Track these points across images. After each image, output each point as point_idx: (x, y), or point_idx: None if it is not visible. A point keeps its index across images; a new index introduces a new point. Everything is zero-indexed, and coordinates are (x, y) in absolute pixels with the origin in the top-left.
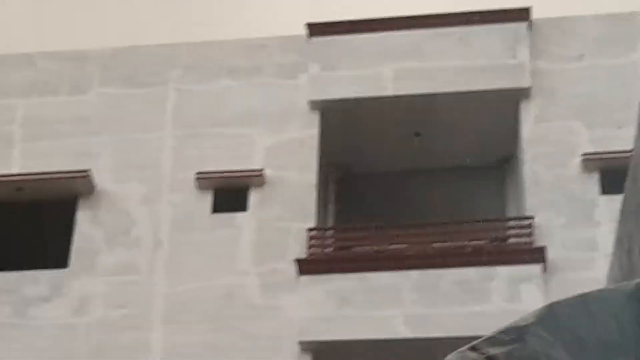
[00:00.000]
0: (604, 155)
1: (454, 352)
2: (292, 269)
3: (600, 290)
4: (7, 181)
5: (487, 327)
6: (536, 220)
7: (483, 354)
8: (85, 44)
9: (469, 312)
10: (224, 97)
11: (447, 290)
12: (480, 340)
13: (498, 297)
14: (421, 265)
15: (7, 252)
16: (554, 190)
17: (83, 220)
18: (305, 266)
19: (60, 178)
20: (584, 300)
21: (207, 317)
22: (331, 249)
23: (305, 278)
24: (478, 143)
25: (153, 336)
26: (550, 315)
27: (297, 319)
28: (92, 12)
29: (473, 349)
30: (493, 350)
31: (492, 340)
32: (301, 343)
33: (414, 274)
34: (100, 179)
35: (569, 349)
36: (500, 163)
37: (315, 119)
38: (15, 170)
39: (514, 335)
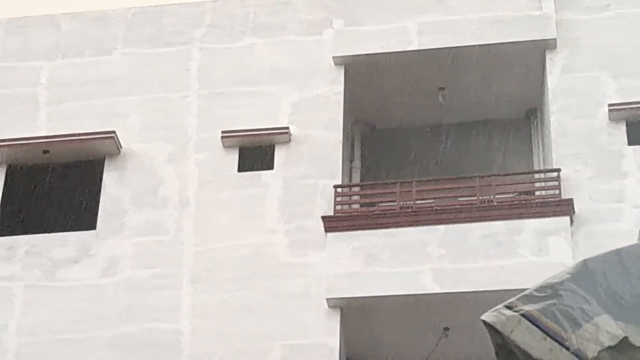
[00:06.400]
0: (631, 106)
1: (490, 310)
2: (319, 226)
3: (634, 246)
4: (34, 144)
5: (515, 281)
6: (563, 172)
7: (517, 311)
8: (108, 4)
9: (497, 266)
10: (248, 55)
11: (475, 245)
12: (515, 298)
13: (526, 251)
14: (448, 220)
15: (35, 214)
16: (580, 142)
17: (110, 181)
18: (332, 223)
19: (86, 140)
20: (617, 255)
21: (235, 276)
22: (358, 205)
23: (332, 235)
24: (504, 96)
25: (182, 295)
26: (584, 271)
27: (325, 276)
28: None
29: (508, 307)
30: (528, 307)
31: (527, 298)
32: (329, 300)
33: (441, 228)
34: (126, 139)
35: (603, 304)
36: (526, 116)
37: (340, 75)
38: (41, 133)
39: (548, 292)
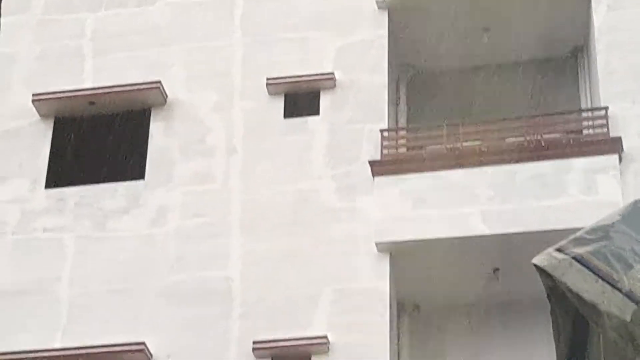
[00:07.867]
0: None
1: (540, 254)
2: (367, 170)
3: None
4: (80, 96)
5: (564, 220)
6: (611, 110)
7: (568, 254)
8: None
9: (546, 206)
10: (291, 1)
11: (523, 185)
12: (565, 241)
13: (575, 190)
14: (496, 161)
15: (83, 166)
16: (628, 80)
17: (157, 131)
18: (379, 167)
19: (132, 90)
20: None
21: (283, 222)
22: (404, 149)
23: (379, 179)
24: (549, 35)
25: (231, 244)
26: (635, 212)
27: (373, 220)
28: None
29: (559, 250)
30: (579, 250)
31: (578, 240)
32: (378, 244)
33: (489, 170)
34: (172, 89)
35: None
36: (572, 54)
37: (383, 19)
38: (87, 84)
39: (599, 234)
